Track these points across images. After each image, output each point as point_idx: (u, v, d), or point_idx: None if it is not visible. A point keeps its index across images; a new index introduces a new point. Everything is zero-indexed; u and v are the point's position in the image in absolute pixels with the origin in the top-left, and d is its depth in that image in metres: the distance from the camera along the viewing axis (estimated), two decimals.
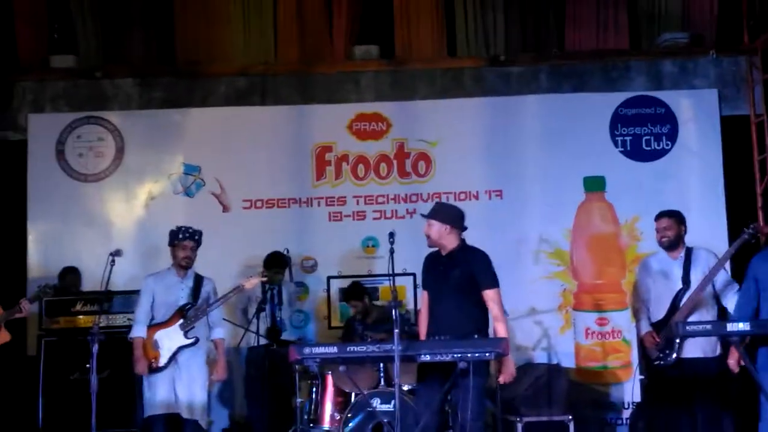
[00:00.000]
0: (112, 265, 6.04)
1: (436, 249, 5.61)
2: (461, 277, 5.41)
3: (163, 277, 6.66)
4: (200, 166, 8.78)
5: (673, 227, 6.18)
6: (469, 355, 4.82)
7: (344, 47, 9.01)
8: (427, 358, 4.85)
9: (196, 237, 6.67)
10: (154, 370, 6.41)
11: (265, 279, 7.01)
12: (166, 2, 9.04)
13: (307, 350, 4.90)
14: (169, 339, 6.45)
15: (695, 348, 6.02)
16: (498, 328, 5.41)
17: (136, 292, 7.56)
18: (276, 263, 7.97)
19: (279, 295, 7.81)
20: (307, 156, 8.80)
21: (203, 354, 6.62)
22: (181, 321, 6.49)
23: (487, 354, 4.86)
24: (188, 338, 6.49)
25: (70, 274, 8.22)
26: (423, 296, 5.75)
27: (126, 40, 9.00)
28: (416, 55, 8.97)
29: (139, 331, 6.50)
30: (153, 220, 8.65)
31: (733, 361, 5.71)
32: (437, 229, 5.49)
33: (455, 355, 4.79)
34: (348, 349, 4.87)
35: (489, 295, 5.44)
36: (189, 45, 9.00)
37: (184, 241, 6.59)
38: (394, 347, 4.68)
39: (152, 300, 6.59)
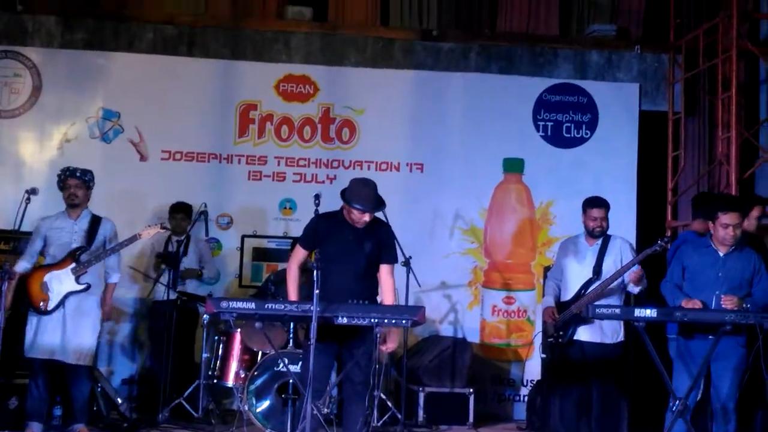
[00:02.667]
0: (27, 203, 5.92)
1: (335, 211, 5.51)
2: (372, 249, 5.42)
3: (55, 218, 6.54)
4: (120, 112, 8.59)
5: (606, 218, 6.31)
6: (386, 320, 4.87)
7: (277, 5, 8.93)
8: (344, 320, 4.87)
9: (79, 174, 6.55)
10: (42, 312, 6.28)
11: (163, 230, 6.84)
12: None
13: (224, 304, 4.88)
14: (60, 282, 6.33)
15: (594, 333, 6.19)
16: (391, 299, 5.49)
17: None
18: (181, 210, 7.96)
19: (185, 245, 7.74)
20: (231, 112, 8.69)
21: (96, 299, 6.51)
22: (73, 265, 6.36)
23: (404, 321, 4.91)
24: (80, 284, 6.38)
25: None
26: (298, 252, 5.57)
27: None
28: (349, 21, 8.95)
29: (20, 266, 6.37)
30: (67, 163, 8.22)
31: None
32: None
33: (373, 320, 4.83)
34: (266, 306, 4.85)
35: (389, 269, 5.51)
36: None
37: (67, 179, 6.50)
38: (312, 308, 4.68)
39: (43, 242, 6.46)
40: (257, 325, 4.95)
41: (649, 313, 5.24)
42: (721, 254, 5.73)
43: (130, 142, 8.57)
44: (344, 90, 8.82)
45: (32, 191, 6.04)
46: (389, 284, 5.49)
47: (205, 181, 8.54)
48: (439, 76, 8.90)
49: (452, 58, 8.99)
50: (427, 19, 9.09)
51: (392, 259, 5.56)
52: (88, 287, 6.40)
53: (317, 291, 4.62)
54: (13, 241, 7.07)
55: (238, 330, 7.21)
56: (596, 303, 5.74)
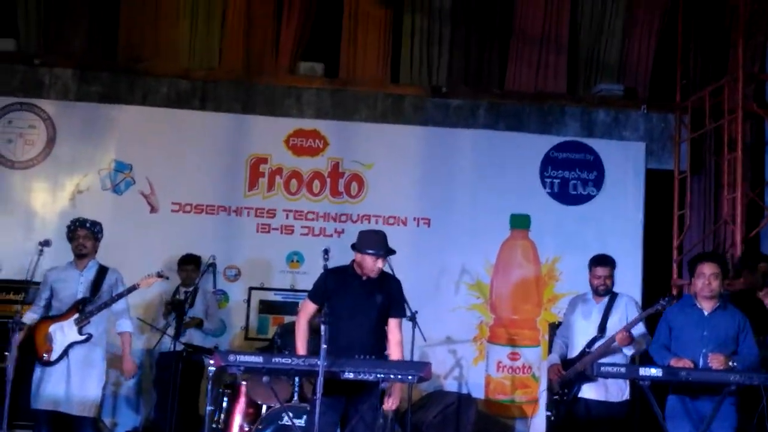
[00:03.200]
0: (40, 255, 5.98)
1: (345, 266, 5.57)
2: (383, 302, 5.47)
3: (62, 269, 6.58)
4: (132, 164, 8.71)
5: (611, 276, 6.35)
6: (392, 376, 4.89)
7: (289, 61, 9.07)
8: (351, 375, 4.89)
9: (88, 225, 6.61)
10: (46, 363, 6.30)
11: (161, 279, 6.87)
12: None
13: (232, 357, 4.91)
14: (63, 333, 6.36)
15: (599, 391, 6.19)
16: (399, 353, 5.52)
17: None
18: (191, 261, 8.01)
19: (192, 296, 7.78)
20: (241, 165, 8.80)
21: (101, 350, 6.52)
22: (77, 316, 6.40)
23: (410, 377, 4.93)
24: (81, 334, 6.40)
25: None
26: (308, 306, 5.60)
27: (68, 30, 8.90)
28: (360, 77, 9.09)
29: (27, 318, 6.40)
30: (78, 214, 8.35)
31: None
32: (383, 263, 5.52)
33: (379, 375, 4.85)
34: (273, 360, 4.88)
35: (397, 322, 5.57)
36: (133, 41, 8.96)
37: (77, 230, 6.55)
38: (319, 362, 4.71)
39: (50, 293, 6.49)
40: (264, 379, 4.98)
41: (654, 372, 5.26)
42: (706, 313, 5.73)
43: (141, 194, 8.67)
44: (354, 145, 8.93)
45: (45, 243, 6.11)
46: (397, 338, 5.53)
47: (215, 233, 8.62)
48: (447, 132, 9.02)
49: (461, 115, 9.11)
50: (437, 76, 9.23)
51: (401, 314, 5.63)
52: (89, 338, 6.41)
53: (324, 346, 4.65)
54: (24, 291, 7.12)
55: (243, 382, 7.21)
56: (601, 361, 5.75)
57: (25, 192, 8.60)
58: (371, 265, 5.38)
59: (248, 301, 8.65)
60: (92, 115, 8.74)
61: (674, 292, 8.52)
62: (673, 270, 8.80)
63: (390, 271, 7.24)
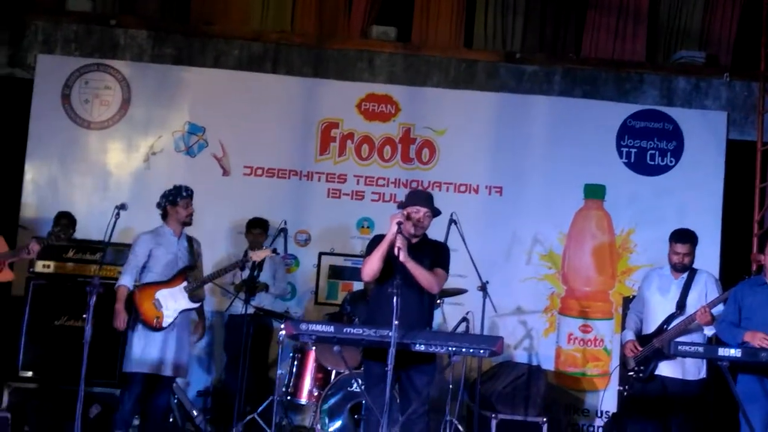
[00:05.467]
0: (116, 218, 6.05)
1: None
2: (431, 267, 5.32)
3: (160, 234, 6.63)
4: (205, 127, 8.73)
5: (692, 253, 6.18)
6: (463, 350, 4.84)
7: (362, 25, 8.98)
8: (422, 348, 4.86)
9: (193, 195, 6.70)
10: (156, 328, 6.39)
11: (273, 254, 7.06)
12: None
13: (303, 326, 4.91)
14: (174, 300, 6.46)
15: (675, 368, 6.07)
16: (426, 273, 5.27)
17: (129, 246, 7.59)
18: (258, 225, 8.05)
19: (261, 260, 7.77)
20: (312, 130, 8.77)
21: (192, 315, 6.70)
22: (185, 283, 6.49)
23: (482, 351, 4.87)
24: (193, 302, 6.52)
25: (64, 218, 8.12)
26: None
27: None
28: (432, 42, 8.96)
29: (127, 281, 6.46)
30: (152, 175, 8.62)
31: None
32: (429, 219, 5.38)
33: (450, 349, 4.81)
34: (345, 330, 4.87)
35: (441, 272, 5.35)
36: (206, 3, 8.95)
37: (188, 198, 6.60)
38: (390, 334, 4.67)
39: (148, 256, 6.54)
40: (335, 348, 4.97)
41: (734, 353, 5.12)
42: None
43: (214, 156, 8.70)
44: (425, 111, 8.82)
45: (122, 206, 6.17)
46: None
47: (286, 198, 8.64)
48: (521, 99, 8.85)
49: (535, 81, 8.94)
50: (511, 41, 9.07)
51: (442, 267, 5.40)
52: (202, 305, 6.55)
53: (396, 322, 4.60)
54: (101, 251, 7.22)
55: (313, 348, 7.24)
56: (678, 340, 5.62)
57: (100, 152, 8.69)
58: (414, 216, 5.24)
59: (318, 266, 8.66)
60: (166, 77, 8.78)
61: (754, 267, 8.26)
62: (754, 244, 8.52)
63: (461, 239, 7.25)
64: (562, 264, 8.70)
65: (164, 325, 6.41)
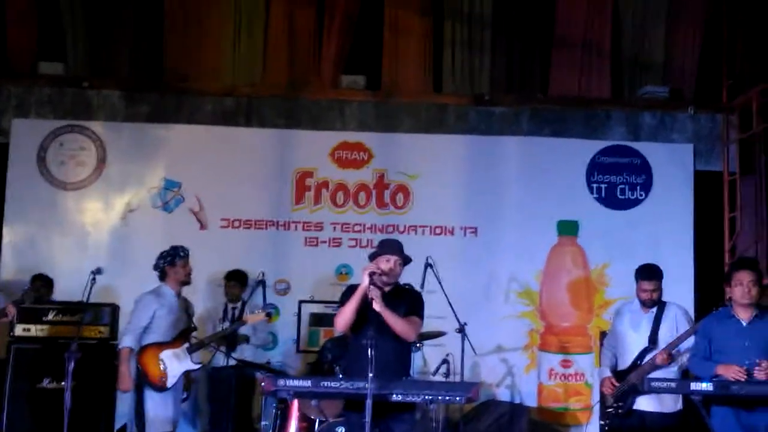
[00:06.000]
0: (92, 283, 6.09)
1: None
2: (405, 315, 5.30)
3: (162, 295, 6.66)
4: (181, 182, 8.83)
5: (659, 288, 6.27)
6: (440, 398, 4.91)
7: (331, 75, 9.13)
8: (399, 398, 4.91)
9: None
10: (160, 388, 6.44)
11: (266, 317, 7.22)
12: (157, 17, 9.10)
13: (281, 382, 4.96)
14: (178, 361, 6.52)
15: (653, 402, 6.14)
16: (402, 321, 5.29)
17: (109, 305, 7.68)
18: (233, 278, 8.10)
19: (241, 312, 7.86)
20: (287, 180, 8.89)
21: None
22: (187, 344, 6.58)
23: (458, 398, 4.93)
24: (195, 363, 6.62)
25: (39, 281, 8.18)
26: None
27: (115, 53, 9.05)
28: (402, 88, 9.11)
29: (130, 342, 6.48)
30: (130, 233, 8.71)
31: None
32: (400, 267, 5.43)
33: (427, 397, 4.87)
34: (322, 384, 4.93)
35: (415, 320, 5.36)
36: (177, 61, 9.07)
37: (186, 258, 6.69)
38: (367, 386, 4.74)
39: (150, 319, 6.57)
40: (313, 402, 5.03)
41: (705, 386, 5.20)
42: (744, 323, 5.63)
43: (191, 211, 8.80)
44: (398, 156, 8.96)
45: (97, 271, 6.22)
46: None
47: (263, 248, 8.72)
48: (492, 140, 9.01)
49: (504, 122, 9.09)
50: (479, 84, 9.22)
51: (416, 314, 5.38)
52: (202, 366, 6.68)
53: (371, 374, 4.67)
54: (78, 313, 7.26)
55: (296, 400, 7.27)
56: (652, 376, 5.70)
57: (78, 213, 8.77)
58: (384, 266, 5.34)
59: (299, 314, 8.72)
60: (141, 135, 8.89)
61: (726, 297, 8.38)
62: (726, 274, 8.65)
63: (437, 282, 7.33)
64: (540, 300, 8.80)
65: (168, 385, 6.45)
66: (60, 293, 8.09)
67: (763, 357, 5.51)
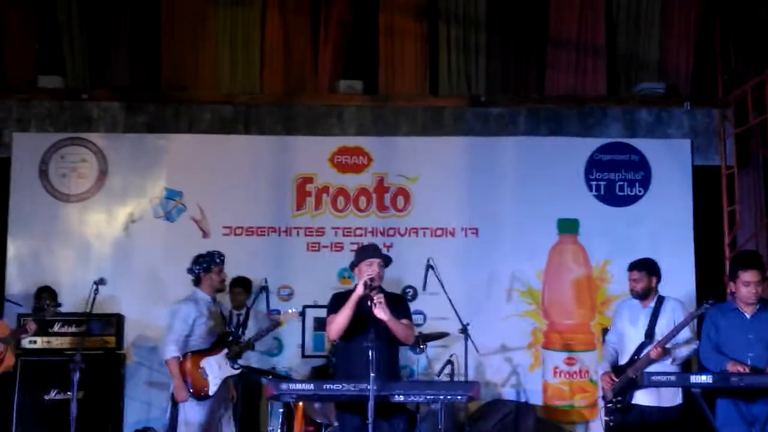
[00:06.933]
0: (95, 294, 6.14)
1: (350, 289, 5.50)
2: (398, 319, 5.39)
3: (200, 302, 6.65)
4: (182, 191, 8.89)
5: (643, 279, 6.32)
6: (441, 397, 4.96)
7: (329, 81, 9.18)
8: (401, 398, 4.96)
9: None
10: (204, 397, 6.44)
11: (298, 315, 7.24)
12: (154, 28, 9.17)
13: (284, 386, 5.02)
14: (219, 367, 6.50)
15: (651, 396, 6.18)
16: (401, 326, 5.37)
17: (114, 316, 7.75)
18: (239, 284, 8.18)
19: (245, 319, 7.89)
20: (288, 186, 8.94)
21: (230, 382, 6.74)
22: (226, 350, 6.56)
23: (459, 397, 4.98)
24: (235, 369, 6.60)
25: (45, 292, 8.25)
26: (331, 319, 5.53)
27: (113, 64, 9.12)
28: (399, 92, 9.16)
29: (175, 351, 6.44)
30: (132, 243, 8.77)
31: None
32: (382, 268, 5.44)
33: (428, 397, 4.92)
34: (324, 387, 4.98)
35: (410, 324, 5.46)
36: (175, 71, 9.13)
37: (221, 264, 6.68)
38: (369, 387, 4.79)
39: (191, 328, 6.56)
40: (317, 404, 5.08)
41: (705, 379, 5.25)
42: (748, 316, 5.68)
43: (193, 219, 8.85)
44: (397, 159, 9.01)
45: (100, 281, 6.27)
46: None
47: (266, 255, 8.77)
48: (489, 141, 9.05)
49: (502, 123, 9.13)
50: (475, 85, 9.26)
51: (408, 317, 5.49)
52: (242, 369, 6.65)
53: (373, 374, 4.72)
54: (83, 324, 7.33)
55: (301, 402, 7.32)
56: (651, 370, 5.74)
57: (80, 224, 8.83)
58: (370, 271, 5.35)
59: (303, 319, 8.76)
60: (141, 146, 8.96)
61: (729, 290, 8.41)
62: (726, 267, 8.70)
63: (439, 283, 7.39)
64: (542, 299, 8.84)
65: (210, 393, 6.45)
66: (64, 305, 8.12)
67: (766, 350, 5.57)
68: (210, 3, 9.13)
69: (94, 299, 6.15)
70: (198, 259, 6.68)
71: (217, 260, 6.67)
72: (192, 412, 6.46)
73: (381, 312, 5.14)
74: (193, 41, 9.13)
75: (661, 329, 6.18)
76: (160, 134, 8.98)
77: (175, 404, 6.61)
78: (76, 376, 5.56)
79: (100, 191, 8.87)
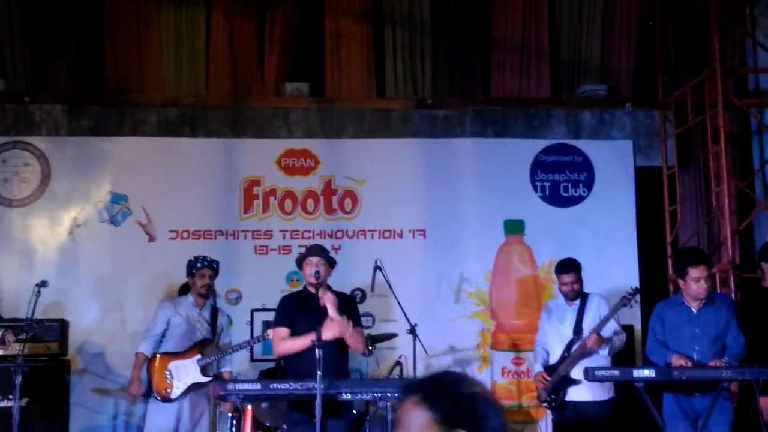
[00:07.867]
0: (37, 296, 6.07)
1: (298, 290, 5.65)
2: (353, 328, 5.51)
3: (181, 304, 6.64)
4: (127, 195, 8.79)
5: (578, 280, 6.45)
6: (388, 395, 4.98)
7: (275, 83, 9.16)
8: (348, 396, 4.99)
9: (215, 266, 6.79)
10: (164, 399, 6.39)
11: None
12: (97, 30, 9.08)
13: (230, 386, 5.01)
14: (186, 372, 6.47)
15: (584, 392, 6.28)
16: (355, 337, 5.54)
17: (58, 321, 7.64)
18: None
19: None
20: (235, 189, 8.90)
21: (209, 390, 6.62)
22: (199, 356, 6.51)
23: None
24: (205, 376, 6.53)
25: None
26: (279, 332, 5.67)
27: (56, 67, 8.99)
28: (345, 94, 9.18)
29: (145, 348, 6.47)
30: (77, 248, 8.65)
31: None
32: (326, 270, 5.58)
33: (376, 395, 4.94)
34: (271, 386, 4.98)
35: (362, 331, 5.66)
36: (119, 74, 9.04)
37: (203, 269, 6.68)
38: (316, 386, 4.80)
39: (166, 327, 6.55)
40: (263, 405, 5.07)
41: (648, 373, 5.36)
42: (695, 311, 5.81)
43: (139, 223, 8.76)
44: (344, 161, 9.02)
45: (42, 284, 6.21)
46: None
47: (213, 258, 8.67)
48: (436, 142, 9.10)
49: (448, 125, 9.19)
50: (422, 88, 9.32)
51: (359, 323, 5.66)
52: (213, 379, 6.54)
53: (320, 372, 4.73)
54: (26, 330, 7.19)
55: (249, 407, 7.29)
56: (593, 366, 5.82)
57: (24, 230, 8.69)
58: (309, 270, 5.43)
59: (251, 323, 8.73)
60: (85, 149, 8.84)
61: (671, 287, 8.59)
62: (669, 265, 8.87)
63: (387, 285, 7.41)
64: (490, 300, 8.91)
65: (172, 396, 6.40)
66: (8, 311, 8.02)
67: (712, 344, 5.71)
68: (154, 5, 9.06)
69: (36, 302, 6.07)
70: (187, 264, 6.75)
71: (198, 264, 6.72)
72: (153, 415, 6.42)
73: (347, 331, 5.32)
74: (137, 43, 9.05)
75: (588, 325, 6.32)
76: (105, 137, 8.87)
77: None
78: (18, 378, 5.48)
79: (44, 195, 8.73)
